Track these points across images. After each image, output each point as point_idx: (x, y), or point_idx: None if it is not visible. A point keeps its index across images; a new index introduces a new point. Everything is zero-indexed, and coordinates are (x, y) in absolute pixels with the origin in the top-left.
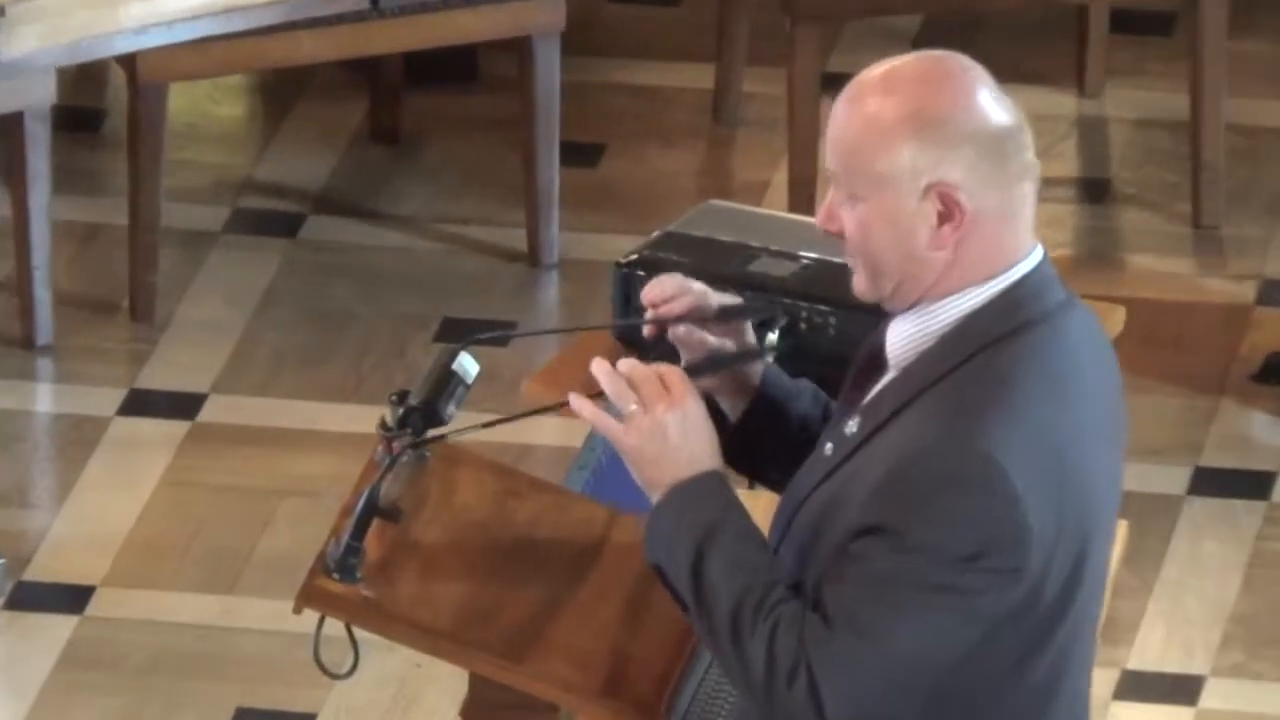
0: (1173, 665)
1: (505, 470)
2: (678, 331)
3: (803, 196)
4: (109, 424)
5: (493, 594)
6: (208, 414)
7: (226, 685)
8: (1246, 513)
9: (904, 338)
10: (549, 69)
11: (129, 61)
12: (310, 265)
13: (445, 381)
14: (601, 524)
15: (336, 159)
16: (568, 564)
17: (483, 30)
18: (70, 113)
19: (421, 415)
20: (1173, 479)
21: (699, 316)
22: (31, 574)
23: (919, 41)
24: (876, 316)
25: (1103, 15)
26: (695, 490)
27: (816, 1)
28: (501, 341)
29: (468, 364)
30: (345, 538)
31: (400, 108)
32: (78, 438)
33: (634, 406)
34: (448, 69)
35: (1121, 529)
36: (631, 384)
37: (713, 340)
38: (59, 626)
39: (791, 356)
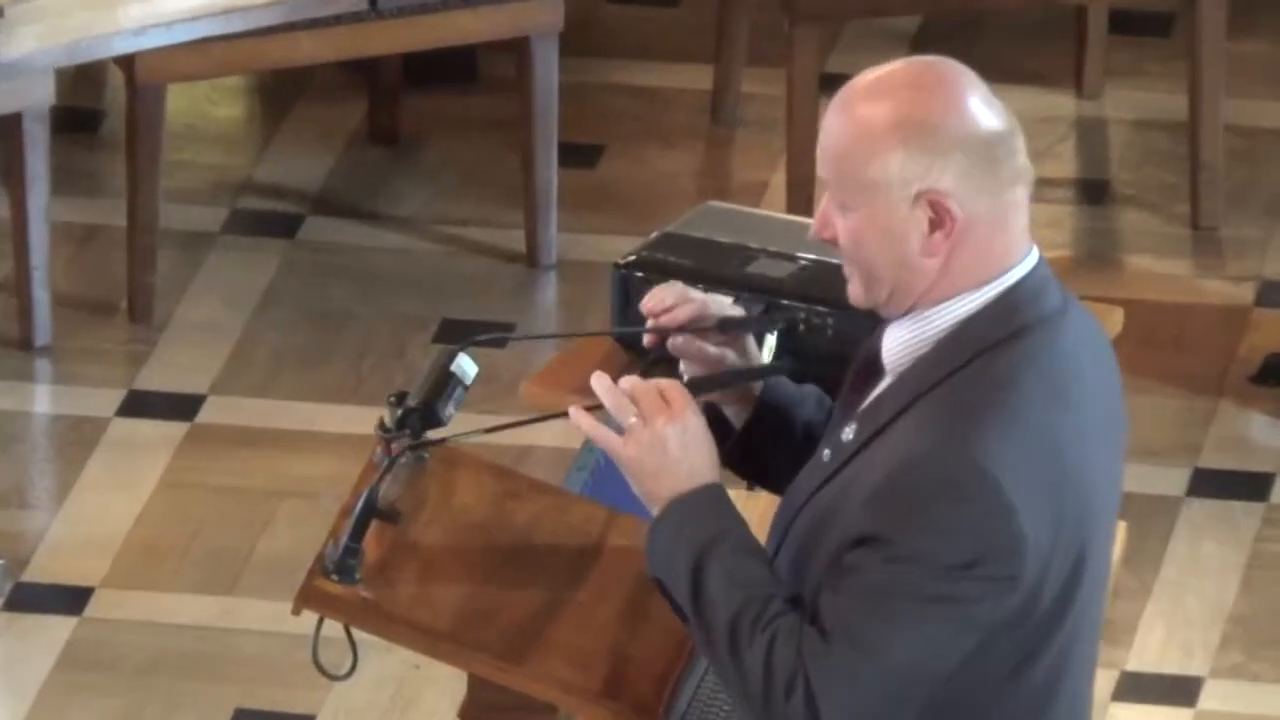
0: (1171, 666)
1: (504, 471)
2: (676, 342)
3: (801, 197)
4: (108, 425)
5: (491, 595)
6: (206, 415)
7: (225, 686)
8: (1245, 514)
9: (900, 344)
10: (548, 70)
11: (127, 62)
12: (309, 266)
13: (444, 383)
14: (600, 525)
15: (335, 160)
16: (566, 565)
17: (481, 31)
18: (69, 114)
19: (420, 416)
20: (1171, 480)
21: (699, 327)
22: (30, 575)
23: (918, 42)
24: (875, 318)
25: (1101, 16)
26: (695, 503)
27: (816, 2)
28: (500, 343)
29: (466, 365)
30: (344, 539)
31: (399, 108)
32: (76, 439)
33: (634, 419)
34: (446, 70)
35: (1120, 530)
36: (631, 397)
37: (712, 351)
38: (58, 627)
39: (791, 358)
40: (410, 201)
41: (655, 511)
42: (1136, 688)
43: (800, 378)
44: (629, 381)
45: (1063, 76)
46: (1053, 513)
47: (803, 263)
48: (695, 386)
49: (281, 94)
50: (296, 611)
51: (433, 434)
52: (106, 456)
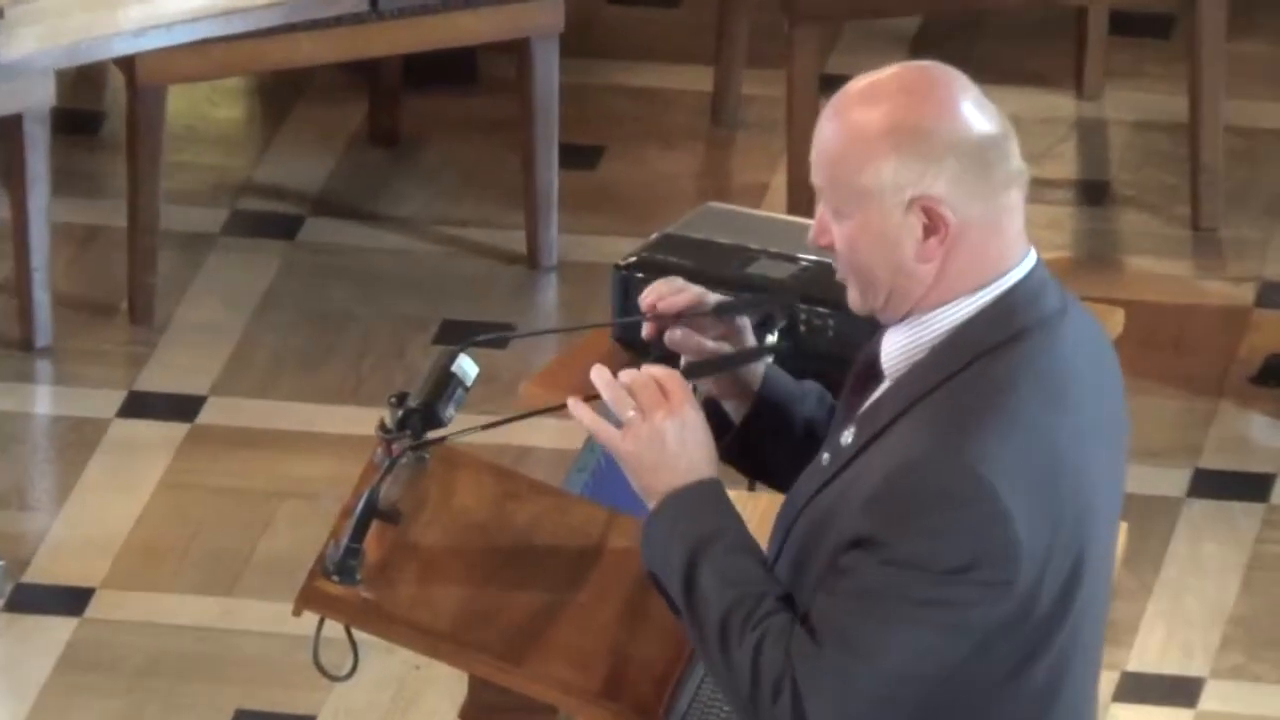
0: (1172, 667)
1: (504, 472)
2: (675, 336)
3: (802, 198)
4: (108, 426)
5: (492, 596)
6: (207, 416)
7: (226, 687)
8: (1245, 515)
9: (897, 348)
10: (548, 71)
11: (128, 64)
12: (309, 267)
13: (444, 383)
14: (600, 526)
15: (335, 161)
16: (567, 566)
17: (482, 32)
18: (69, 115)
19: (421, 417)
20: (1172, 481)
21: (696, 313)
22: (31, 576)
23: (918, 43)
24: (875, 320)
25: (1101, 17)
26: (692, 498)
27: (816, 2)
28: (500, 343)
29: (467, 366)
30: (345, 540)
31: (399, 110)
32: (77, 440)
33: (632, 413)
34: (447, 71)
35: (1121, 531)
36: (630, 390)
37: (710, 344)
38: (58, 628)
39: (791, 357)
40: (410, 203)
41: (652, 506)
42: (1137, 688)
43: (801, 374)
44: (628, 375)
45: (1063, 77)
46: (1050, 515)
47: (803, 264)
48: (693, 370)
49: (282, 95)
50: (297, 612)
51: (432, 433)
52: (107, 457)
